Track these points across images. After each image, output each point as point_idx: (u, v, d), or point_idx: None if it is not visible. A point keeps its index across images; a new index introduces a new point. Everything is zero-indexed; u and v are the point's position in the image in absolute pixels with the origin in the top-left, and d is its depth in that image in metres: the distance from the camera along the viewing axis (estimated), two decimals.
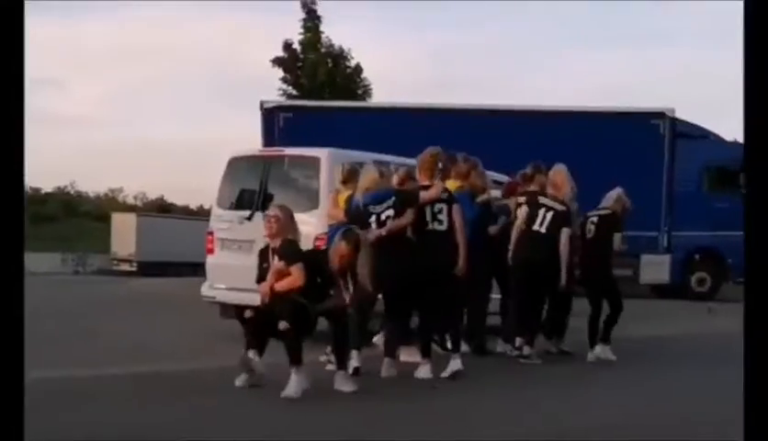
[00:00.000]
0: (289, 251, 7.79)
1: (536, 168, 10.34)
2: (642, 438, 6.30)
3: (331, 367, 8.22)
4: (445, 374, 8.57)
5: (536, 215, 9.89)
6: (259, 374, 7.65)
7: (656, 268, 20.70)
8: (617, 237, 10.38)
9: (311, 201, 10.79)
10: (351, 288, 8.06)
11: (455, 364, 8.64)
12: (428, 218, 8.73)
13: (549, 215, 9.87)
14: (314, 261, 7.87)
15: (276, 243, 7.86)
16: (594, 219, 10.40)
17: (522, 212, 10.00)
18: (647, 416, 7.20)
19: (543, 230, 9.86)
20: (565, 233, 9.83)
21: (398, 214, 8.58)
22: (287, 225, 7.91)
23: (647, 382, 9.10)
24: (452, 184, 9.51)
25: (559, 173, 10.11)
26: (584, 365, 10.01)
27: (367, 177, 8.86)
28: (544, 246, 9.82)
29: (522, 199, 10.16)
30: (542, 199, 9.97)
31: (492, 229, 10.26)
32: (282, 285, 7.66)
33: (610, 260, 10.48)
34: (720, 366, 10.31)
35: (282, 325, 7.43)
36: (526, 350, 9.81)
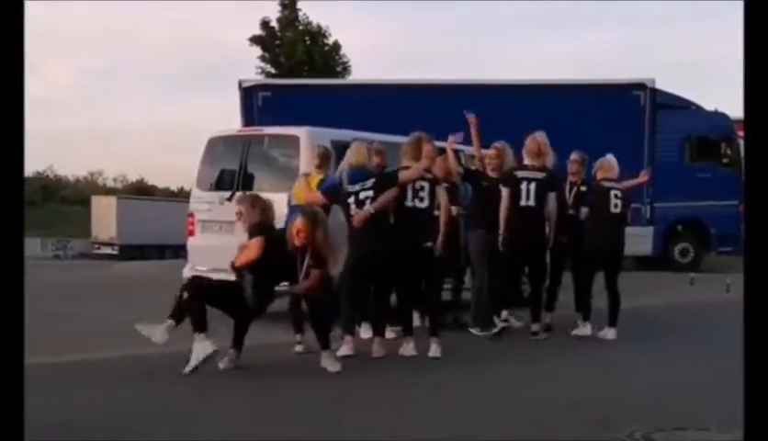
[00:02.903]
0: (254, 229, 7.81)
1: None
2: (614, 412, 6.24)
3: (299, 348, 8.53)
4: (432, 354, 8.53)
5: (520, 190, 9.62)
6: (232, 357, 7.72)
7: (639, 240, 20.64)
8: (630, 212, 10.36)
9: (291, 180, 10.68)
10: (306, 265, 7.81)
11: (436, 349, 8.57)
12: (408, 195, 8.64)
13: (533, 186, 9.64)
14: (280, 239, 7.77)
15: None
16: (618, 193, 10.05)
17: (504, 193, 9.68)
18: (621, 390, 7.17)
19: (531, 203, 9.64)
20: (551, 198, 9.73)
21: (377, 197, 8.45)
22: (250, 213, 7.91)
23: (628, 356, 9.08)
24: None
25: (534, 140, 9.81)
26: (567, 339, 9.98)
27: (357, 152, 8.71)
28: (538, 220, 9.71)
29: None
30: (519, 173, 9.74)
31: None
32: (240, 259, 7.64)
33: None
34: (700, 337, 10.36)
35: (183, 294, 7.54)
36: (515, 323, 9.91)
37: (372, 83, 22.77)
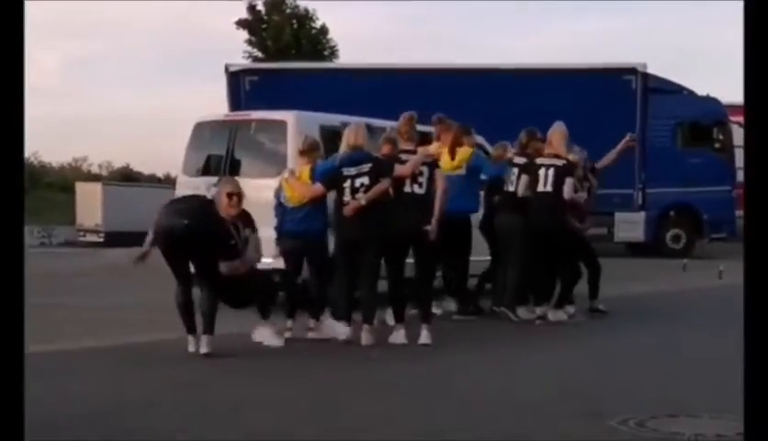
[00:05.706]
0: None
1: (530, 134, 10.35)
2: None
3: (287, 334, 8.59)
4: (423, 341, 8.37)
5: (538, 177, 9.85)
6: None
7: (630, 226, 20.61)
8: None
9: (279, 166, 10.51)
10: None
11: (426, 336, 8.41)
12: (408, 180, 8.51)
13: (551, 172, 9.82)
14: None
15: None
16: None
17: (523, 180, 9.99)
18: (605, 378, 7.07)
19: (549, 189, 9.82)
20: (568, 184, 9.84)
21: (372, 184, 8.30)
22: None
23: (620, 343, 9.01)
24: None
25: (555, 132, 10.05)
26: (556, 326, 9.85)
27: (355, 133, 8.54)
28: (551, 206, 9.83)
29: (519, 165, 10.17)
30: (539, 160, 9.99)
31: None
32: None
33: None
34: (693, 324, 10.25)
35: None
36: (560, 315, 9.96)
37: (360, 67, 22.63)
